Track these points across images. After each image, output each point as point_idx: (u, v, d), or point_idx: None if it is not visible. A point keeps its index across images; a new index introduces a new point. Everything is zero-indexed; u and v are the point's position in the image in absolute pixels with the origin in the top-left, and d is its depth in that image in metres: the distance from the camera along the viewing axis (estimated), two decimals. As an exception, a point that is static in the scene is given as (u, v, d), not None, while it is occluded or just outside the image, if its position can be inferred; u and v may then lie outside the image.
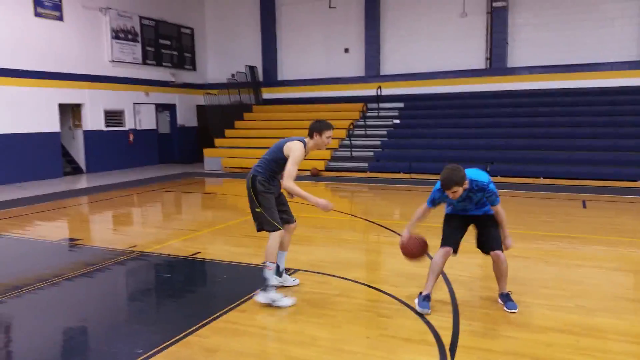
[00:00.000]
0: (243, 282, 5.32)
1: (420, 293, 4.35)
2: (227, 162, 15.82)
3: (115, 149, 16.09)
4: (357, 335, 3.92)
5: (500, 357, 3.52)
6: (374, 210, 9.96)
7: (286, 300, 4.48)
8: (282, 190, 4.76)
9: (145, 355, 3.61)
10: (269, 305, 4.43)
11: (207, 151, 16.62)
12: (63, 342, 4.17)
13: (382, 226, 7.96)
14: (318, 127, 4.54)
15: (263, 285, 4.50)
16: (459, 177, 4.02)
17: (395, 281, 5.17)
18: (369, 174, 13.66)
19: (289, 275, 5.15)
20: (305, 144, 4.52)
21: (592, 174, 11.58)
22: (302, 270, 5.49)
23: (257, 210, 4.51)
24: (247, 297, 4.71)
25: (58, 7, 14.31)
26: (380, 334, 3.95)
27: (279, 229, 4.48)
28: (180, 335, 3.92)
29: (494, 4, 15.68)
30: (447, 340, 3.78)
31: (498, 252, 4.29)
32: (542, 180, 11.79)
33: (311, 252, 6.41)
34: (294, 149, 4.41)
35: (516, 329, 3.96)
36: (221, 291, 5.19)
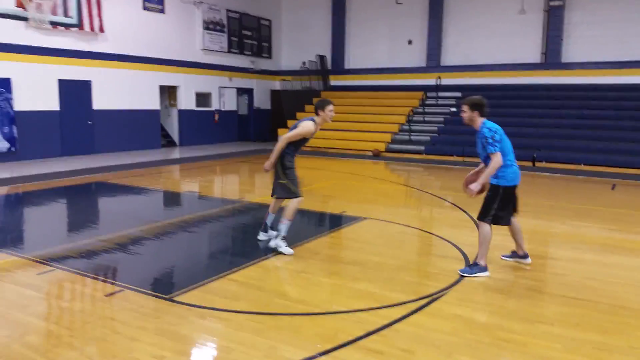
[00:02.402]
0: (329, 221, 7.30)
1: (477, 263, 5.03)
2: (298, 141, 17.86)
3: (203, 126, 18.52)
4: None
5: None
6: (428, 184, 11.69)
7: (287, 250, 5.60)
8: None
9: (257, 260, 5.65)
10: (274, 250, 5.64)
11: (281, 131, 18.74)
12: (205, 253, 6.30)
13: (433, 195, 9.71)
14: (320, 105, 5.59)
15: (277, 234, 5.72)
16: (470, 100, 4.94)
17: (440, 231, 6.98)
18: (425, 156, 15.33)
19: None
20: (314, 122, 5.58)
21: (630, 163, 12.74)
22: (371, 219, 7.39)
23: (281, 182, 5.64)
24: (326, 231, 6.67)
25: (161, 2, 16.70)
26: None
27: (301, 196, 5.68)
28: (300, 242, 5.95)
29: (551, 3, 16.75)
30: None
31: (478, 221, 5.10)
32: (582, 167, 13.07)
33: (378, 207, 8.30)
34: (303, 125, 5.54)
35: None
36: (308, 228, 7.20)
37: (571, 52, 16.86)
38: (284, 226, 5.66)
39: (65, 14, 13.16)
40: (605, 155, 13.22)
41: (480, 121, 4.93)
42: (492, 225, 5.10)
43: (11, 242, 6.38)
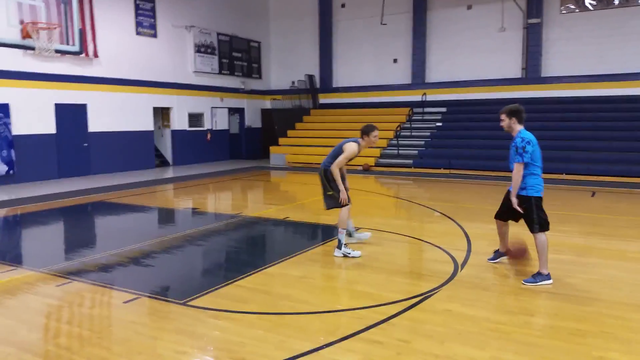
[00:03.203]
0: (323, 232, 7.71)
1: (540, 273, 5.17)
2: (290, 157, 18.36)
3: (196, 145, 18.92)
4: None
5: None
6: (418, 196, 12.16)
7: (355, 253, 6.20)
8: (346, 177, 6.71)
9: (261, 268, 6.05)
10: (345, 256, 6.19)
11: (273, 148, 19.21)
12: (210, 263, 6.68)
13: (423, 205, 10.18)
14: (366, 130, 6.20)
15: (338, 244, 6.26)
16: (506, 108, 5.22)
17: (430, 238, 7.43)
18: (413, 169, 15.84)
19: (358, 231, 7.35)
20: (359, 144, 6.24)
21: (609, 171, 13.35)
22: (364, 228, 7.81)
23: (329, 193, 6.22)
24: (323, 241, 7.09)
25: (153, 27, 17.21)
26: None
27: (348, 204, 6.24)
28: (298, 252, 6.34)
29: (529, 20, 17.53)
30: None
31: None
32: (564, 176, 13.65)
33: (371, 219, 8.73)
34: (348, 148, 6.14)
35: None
36: (306, 239, 7.61)
37: (550, 66, 17.60)
38: (341, 236, 6.21)
39: (68, 42, 13.71)
40: (585, 165, 13.82)
41: (517, 129, 5.18)
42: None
43: (25, 258, 6.71)
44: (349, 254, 6.19)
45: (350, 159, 6.30)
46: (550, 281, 5.20)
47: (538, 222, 5.16)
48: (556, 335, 4.06)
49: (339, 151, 6.22)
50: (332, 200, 6.26)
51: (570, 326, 4.23)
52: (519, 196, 5.20)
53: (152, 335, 4.09)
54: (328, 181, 6.25)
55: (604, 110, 15.95)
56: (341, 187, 6.14)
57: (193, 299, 4.83)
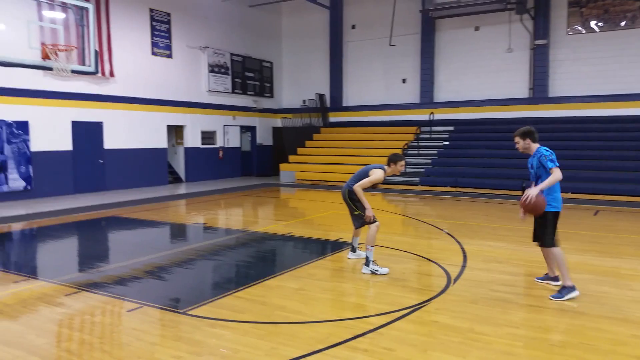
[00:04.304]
0: (324, 247, 7.94)
1: (565, 287, 5.35)
2: (299, 175, 18.67)
3: (209, 162, 19.35)
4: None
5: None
6: (422, 213, 12.34)
7: (383, 270, 6.28)
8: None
9: (260, 280, 6.29)
10: (373, 274, 6.25)
11: (283, 166, 19.55)
12: (219, 274, 6.95)
13: (426, 222, 10.36)
14: (394, 159, 6.36)
15: (366, 261, 6.36)
16: (519, 131, 5.41)
17: (427, 253, 7.61)
18: (420, 187, 16.02)
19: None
20: (384, 171, 6.38)
21: (614, 190, 13.41)
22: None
23: (356, 213, 6.45)
24: (323, 255, 7.31)
25: (169, 47, 17.79)
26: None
27: (376, 222, 6.39)
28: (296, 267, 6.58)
29: (536, 42, 17.77)
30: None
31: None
32: (569, 195, 13.72)
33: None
34: (375, 172, 6.33)
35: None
36: (307, 253, 7.85)
37: (557, 87, 17.77)
38: (370, 253, 6.34)
39: (84, 63, 14.32)
40: (590, 184, 13.90)
41: (535, 146, 5.42)
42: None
43: (39, 270, 7.05)
44: (377, 271, 6.27)
45: (375, 184, 6.50)
46: (577, 292, 5.36)
47: (552, 238, 5.44)
48: (537, 346, 4.23)
49: (364, 174, 6.43)
50: (360, 219, 6.51)
51: (552, 338, 4.40)
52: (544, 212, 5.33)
53: (151, 341, 4.34)
54: (353, 201, 6.48)
55: (609, 130, 16.04)
56: (367, 205, 6.33)
57: (193, 309, 5.09)
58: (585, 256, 7.43)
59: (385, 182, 16.75)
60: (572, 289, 5.37)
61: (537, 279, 6.09)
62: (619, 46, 16.65)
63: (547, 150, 5.34)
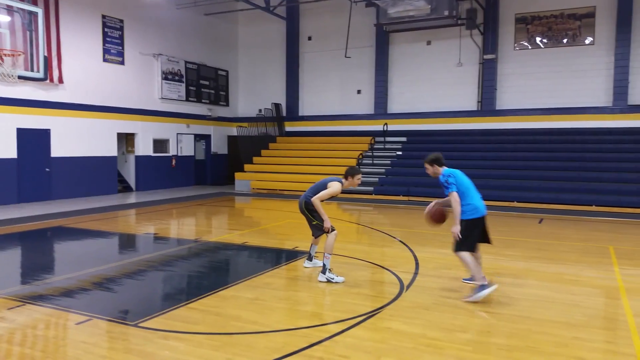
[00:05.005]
0: (279, 256, 7.93)
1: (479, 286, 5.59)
2: (255, 184, 18.57)
3: (161, 171, 18.96)
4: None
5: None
6: (376, 221, 12.52)
7: (339, 278, 6.37)
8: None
9: (214, 291, 6.23)
10: (329, 282, 6.31)
11: (238, 175, 19.40)
12: (180, 284, 6.82)
13: (379, 230, 10.52)
14: (351, 172, 6.52)
15: (323, 269, 6.42)
16: (427, 158, 5.88)
17: (381, 261, 7.73)
18: (373, 196, 16.26)
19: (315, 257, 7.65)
20: (342, 184, 6.52)
21: (558, 200, 14.05)
22: (321, 252, 8.08)
23: (314, 223, 6.58)
24: (278, 264, 7.31)
25: (121, 54, 17.39)
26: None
27: (334, 231, 6.51)
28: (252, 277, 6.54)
29: (485, 56, 18.46)
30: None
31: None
32: (515, 204, 14.27)
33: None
34: (333, 186, 6.47)
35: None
36: (263, 262, 7.82)
37: (504, 100, 18.49)
38: (327, 261, 6.42)
39: (33, 69, 13.84)
40: (535, 193, 14.50)
41: (440, 171, 5.84)
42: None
43: (-23, 282, 6.69)
44: (333, 279, 6.37)
45: (331, 197, 6.60)
46: (494, 287, 5.62)
47: (461, 243, 5.69)
48: (485, 349, 4.38)
49: (322, 187, 6.55)
50: (318, 228, 6.62)
51: (500, 342, 4.56)
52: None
53: (101, 354, 4.21)
54: (310, 212, 6.60)
55: (554, 142, 16.80)
56: (324, 216, 6.46)
57: (144, 321, 4.97)
58: (531, 263, 7.74)
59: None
60: (485, 286, 5.58)
61: (464, 279, 6.37)
62: (562, 61, 17.52)
63: (443, 176, 5.75)
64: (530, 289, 6.26)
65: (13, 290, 6.06)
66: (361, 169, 6.90)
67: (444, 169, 5.87)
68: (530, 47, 18.12)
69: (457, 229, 5.64)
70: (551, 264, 7.72)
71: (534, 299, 5.81)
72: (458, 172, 5.83)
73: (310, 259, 7.18)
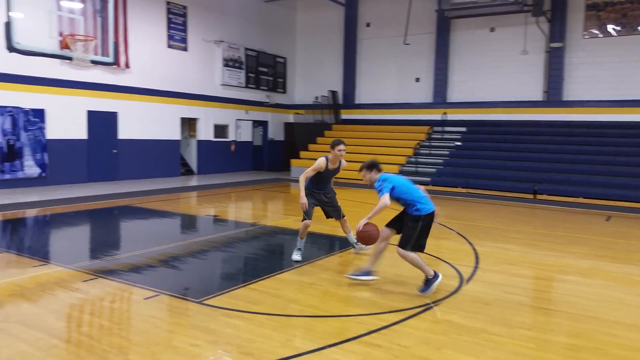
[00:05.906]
0: (335, 243, 8.00)
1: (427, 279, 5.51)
2: (310, 171, 18.71)
3: (220, 156, 19.46)
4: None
5: (495, 283, 5.95)
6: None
7: (296, 257, 6.72)
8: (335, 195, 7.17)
9: (273, 274, 6.36)
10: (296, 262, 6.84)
11: (294, 161, 19.61)
12: (235, 266, 7.03)
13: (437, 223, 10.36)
14: (332, 144, 6.56)
15: (296, 247, 6.79)
16: (364, 165, 5.63)
17: (440, 254, 7.65)
18: (431, 187, 16.00)
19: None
20: (327, 158, 6.56)
21: (626, 197, 13.33)
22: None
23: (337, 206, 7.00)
24: (335, 251, 7.37)
25: (184, 40, 17.88)
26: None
27: (305, 220, 6.61)
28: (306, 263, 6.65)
29: (552, 44, 17.67)
30: (465, 275, 6.23)
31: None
32: (580, 200, 13.67)
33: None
34: (316, 161, 6.58)
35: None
36: (317, 249, 7.91)
37: (572, 90, 17.67)
38: (300, 242, 6.82)
39: (103, 53, 14.52)
40: (602, 189, 13.83)
41: (377, 177, 5.61)
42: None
43: (54, 255, 7.16)
44: (293, 255, 6.73)
45: (321, 173, 6.61)
46: (371, 278, 5.72)
47: (406, 241, 5.59)
48: (550, 348, 4.26)
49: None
50: (338, 210, 7.08)
51: (565, 341, 4.42)
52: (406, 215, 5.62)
53: (168, 329, 4.42)
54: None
55: (623, 136, 15.93)
56: (302, 194, 6.53)
57: (209, 298, 5.16)
58: (598, 261, 7.42)
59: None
60: (434, 278, 5.45)
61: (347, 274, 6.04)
62: (636, 51, 16.51)
63: (377, 181, 5.53)
64: (597, 288, 6.01)
65: (86, 264, 6.43)
66: (344, 142, 6.74)
67: (380, 175, 5.62)
68: (601, 35, 17.18)
69: (362, 221, 5.65)
70: (619, 263, 7.37)
71: (601, 298, 5.58)
72: (393, 177, 5.58)
73: (353, 246, 7.28)
